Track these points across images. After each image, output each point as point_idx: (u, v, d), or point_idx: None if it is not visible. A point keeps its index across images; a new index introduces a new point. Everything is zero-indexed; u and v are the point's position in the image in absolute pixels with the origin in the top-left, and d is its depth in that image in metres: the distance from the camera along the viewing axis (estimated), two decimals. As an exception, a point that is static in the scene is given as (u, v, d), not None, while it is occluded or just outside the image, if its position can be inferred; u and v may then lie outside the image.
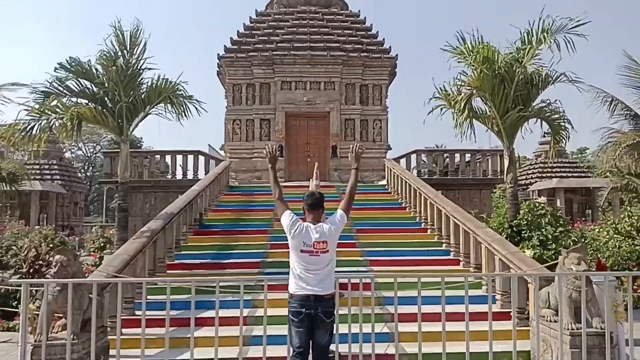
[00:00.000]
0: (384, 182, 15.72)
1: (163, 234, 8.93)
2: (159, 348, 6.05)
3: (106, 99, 9.49)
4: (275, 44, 18.89)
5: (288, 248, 4.44)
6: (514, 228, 8.95)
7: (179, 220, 9.97)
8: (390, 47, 19.08)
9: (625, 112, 13.31)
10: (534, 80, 9.22)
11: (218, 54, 19.06)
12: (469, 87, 9.16)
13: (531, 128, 9.98)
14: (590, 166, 29.05)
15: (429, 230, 10.93)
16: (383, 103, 18.78)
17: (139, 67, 9.63)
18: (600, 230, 9.81)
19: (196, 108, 10.56)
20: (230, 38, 19.39)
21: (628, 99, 13.91)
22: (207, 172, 15.64)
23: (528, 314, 6.79)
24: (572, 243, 8.56)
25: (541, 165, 27.57)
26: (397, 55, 18.87)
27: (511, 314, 6.49)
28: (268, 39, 19.18)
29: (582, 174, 26.62)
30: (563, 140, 9.81)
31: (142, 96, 9.68)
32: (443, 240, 10.05)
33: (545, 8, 8.84)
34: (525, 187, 26.68)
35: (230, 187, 15.28)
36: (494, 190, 17.73)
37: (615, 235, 9.72)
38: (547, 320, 5.89)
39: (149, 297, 7.84)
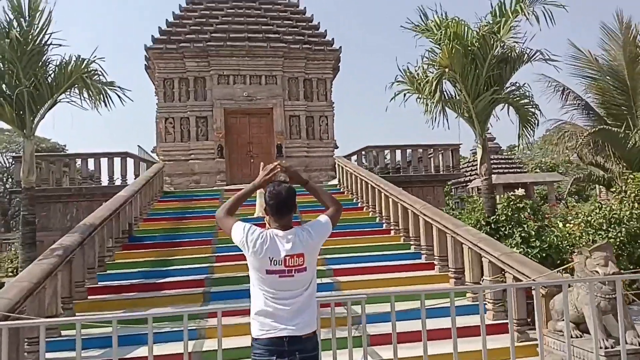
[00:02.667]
0: (334, 181, 14.51)
1: (81, 250, 7.12)
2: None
3: (1, 82, 7.47)
4: (209, 34, 17.13)
5: (238, 260, 3.01)
6: (492, 225, 7.99)
7: (102, 233, 8.15)
8: (333, 39, 17.95)
9: (577, 102, 13.10)
10: (509, 57, 8.34)
11: (145, 45, 16.98)
12: (439, 67, 8.07)
13: (498, 114, 9.10)
14: (524, 162, 29.71)
15: (392, 232, 9.82)
16: (328, 98, 17.57)
17: (42, 42, 7.69)
18: (572, 223, 9.09)
19: (119, 96, 8.78)
20: (159, 27, 17.39)
21: (576, 88, 13.73)
22: (137, 176, 13.65)
23: (528, 325, 5.78)
24: (555, 239, 7.72)
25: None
26: (340, 47, 17.74)
27: (507, 326, 5.51)
28: (201, 28, 17.38)
29: (518, 170, 26.93)
30: (531, 128, 8.98)
31: (49, 80, 7.76)
32: (411, 242, 8.98)
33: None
34: (464, 184, 26.64)
35: (165, 193, 13.41)
36: (446, 187, 17.09)
37: (587, 229, 9.07)
38: (566, 336, 4.85)
39: (63, 331, 6.13)
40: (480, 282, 6.86)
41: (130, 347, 5.54)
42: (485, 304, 6.34)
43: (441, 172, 15.19)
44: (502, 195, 9.74)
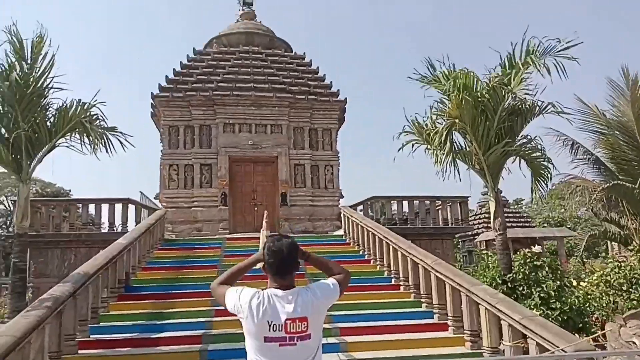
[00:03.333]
0: (339, 232, 14.09)
1: (73, 301, 6.68)
2: None
3: (-2, 125, 7.31)
4: (215, 84, 17.30)
5: (235, 316, 2.66)
6: (509, 284, 7.52)
7: (97, 283, 7.72)
8: (338, 90, 18.10)
9: (587, 157, 12.88)
10: (520, 109, 8.18)
11: (152, 93, 17.12)
12: (449, 117, 7.91)
13: (509, 168, 8.85)
14: (531, 216, 29.21)
15: (402, 287, 9.31)
16: (334, 148, 17.49)
17: (43, 86, 7.59)
18: (590, 282, 8.64)
19: (120, 142, 8.63)
20: (166, 76, 17.58)
21: (585, 142, 13.56)
22: (138, 223, 13.32)
23: None
24: (576, 300, 7.24)
25: (486, 215, 27.25)
26: (346, 98, 17.87)
27: None
28: (208, 78, 17.57)
29: (526, 224, 26.49)
30: (544, 182, 8.71)
31: (48, 123, 7.61)
32: (422, 300, 8.46)
33: (512, 34, 7.96)
34: (472, 237, 26.14)
35: (165, 241, 13.02)
36: (454, 240, 16.66)
37: (607, 289, 8.58)
38: None
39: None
40: (499, 346, 6.37)
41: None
42: None
43: (450, 225, 14.80)
44: (510, 251, 9.33)
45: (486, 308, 6.36)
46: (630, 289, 8.34)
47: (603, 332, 4.70)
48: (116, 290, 8.72)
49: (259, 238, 10.81)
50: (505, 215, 27.12)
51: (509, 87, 7.75)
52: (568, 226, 27.16)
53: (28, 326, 5.30)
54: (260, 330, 2.50)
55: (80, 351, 6.74)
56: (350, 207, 14.26)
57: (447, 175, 8.24)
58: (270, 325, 2.49)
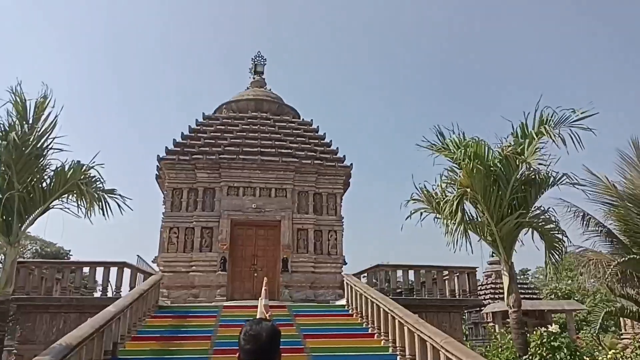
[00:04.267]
0: (342, 301, 13.40)
1: (50, 378, 6.09)
2: None
3: (-8, 184, 7.04)
4: (222, 147, 17.30)
5: None
6: (525, 365, 6.84)
7: (80, 355, 7.11)
8: (344, 155, 18.04)
9: (599, 229, 12.37)
10: (534, 180, 7.87)
11: (158, 156, 17.08)
12: (460, 186, 7.59)
13: (522, 240, 8.40)
14: (539, 287, 28.18)
15: (408, 366, 8.58)
16: (338, 213, 17.11)
17: (42, 146, 7.42)
18: None
19: (119, 205, 8.35)
20: (173, 140, 17.64)
21: (595, 214, 13.12)
22: (132, 288, 12.73)
23: None
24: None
25: (492, 285, 26.36)
26: (352, 164, 17.78)
27: None
28: (215, 142, 17.60)
29: (533, 296, 25.50)
30: (558, 254, 8.23)
31: (44, 184, 7.35)
32: (431, 381, 7.73)
33: (524, 103, 7.84)
34: (479, 309, 25.11)
35: (159, 308, 12.36)
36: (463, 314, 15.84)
37: (629, 368, 7.86)
38: None
39: None
40: None
41: None
42: None
43: (457, 297, 14.05)
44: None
45: None
46: None
47: None
48: None
49: (257, 306, 10.19)
50: (500, 287, 26.33)
51: (522, 156, 7.50)
52: (576, 298, 26.11)
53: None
54: None
55: None
56: (354, 275, 13.67)
57: (459, 246, 7.79)
58: None
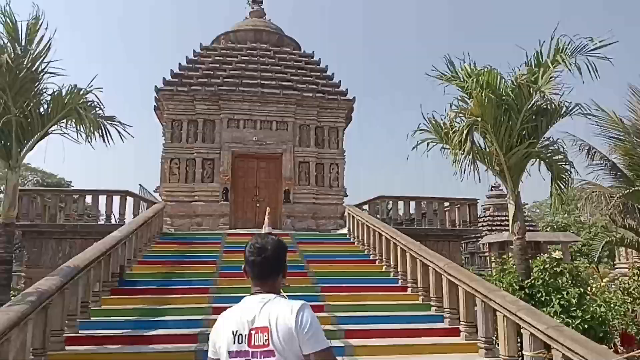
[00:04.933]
0: (343, 230, 13.56)
1: (61, 296, 6.19)
2: None
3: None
4: (221, 79, 16.80)
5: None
6: (527, 290, 6.99)
7: (88, 277, 7.21)
8: (347, 89, 17.57)
9: (604, 162, 12.32)
10: (546, 110, 7.64)
11: (156, 87, 16.61)
12: (470, 116, 7.37)
13: (529, 171, 8.31)
14: (535, 220, 28.72)
15: (409, 289, 8.81)
16: (340, 147, 16.93)
17: (37, 70, 7.09)
18: (609, 293, 8.12)
19: (119, 132, 8.15)
20: (171, 70, 17.09)
21: (601, 148, 12.99)
22: (136, 216, 12.81)
23: None
24: (598, 309, 6.71)
25: (490, 218, 26.79)
26: (354, 97, 17.34)
27: None
28: (214, 73, 17.07)
29: (530, 228, 26.00)
30: (565, 186, 8.18)
31: (41, 110, 7.12)
32: (432, 303, 7.94)
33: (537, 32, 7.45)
34: (475, 239, 25.67)
35: (164, 234, 12.51)
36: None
37: (624, 297, 8.05)
38: None
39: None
40: (517, 356, 5.85)
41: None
42: None
43: (457, 227, 14.25)
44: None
45: (505, 315, 5.85)
46: None
47: None
48: (109, 284, 8.21)
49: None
50: (507, 218, 26.79)
51: (536, 85, 7.21)
52: (572, 231, 26.68)
53: (7, 323, 4.80)
54: (225, 343, 2.04)
55: (67, 347, 6.26)
56: (356, 206, 13.73)
57: (466, 176, 7.70)
58: (235, 336, 2.02)
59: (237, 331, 2.01)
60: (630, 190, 10.54)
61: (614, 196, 10.64)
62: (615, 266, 17.48)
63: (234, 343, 2.01)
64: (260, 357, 1.96)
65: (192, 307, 7.68)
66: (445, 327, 7.28)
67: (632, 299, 8.09)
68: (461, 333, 6.94)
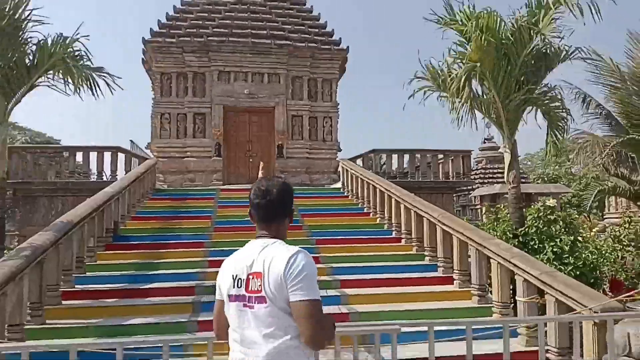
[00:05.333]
0: (337, 185, 13.54)
1: (55, 251, 6.16)
2: None
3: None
4: (211, 29, 16.24)
5: None
6: (520, 238, 7.05)
7: (82, 232, 7.17)
8: (340, 38, 17.09)
9: (599, 111, 12.20)
10: (545, 54, 7.44)
11: (143, 38, 16.06)
12: (468, 61, 7.16)
13: (525, 119, 8.20)
14: (526, 172, 28.88)
15: (403, 240, 8.87)
16: (333, 99, 16.66)
17: (19, 18, 6.77)
18: (600, 239, 8.26)
19: (108, 84, 7.92)
20: (158, 21, 16.46)
21: (596, 96, 12.84)
22: (128, 172, 12.67)
23: (565, 355, 4.82)
24: (590, 256, 6.81)
25: (482, 171, 26.88)
26: (348, 47, 16.88)
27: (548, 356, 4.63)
28: (202, 23, 16.48)
29: (522, 180, 26.14)
30: (560, 134, 8.11)
31: (27, 60, 6.86)
32: (426, 253, 8.00)
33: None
34: (467, 192, 25.84)
35: (156, 191, 12.40)
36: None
37: (614, 244, 8.19)
38: None
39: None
40: (510, 302, 5.96)
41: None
42: (516, 327, 5.40)
43: (451, 179, 14.29)
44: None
45: (499, 263, 5.88)
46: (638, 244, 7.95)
47: (637, 291, 4.24)
48: (104, 239, 8.17)
49: None
50: (499, 170, 26.97)
51: (537, 27, 6.96)
52: (563, 183, 26.90)
53: (3, 277, 4.78)
54: (226, 286, 2.04)
55: (64, 302, 6.29)
56: (349, 160, 13.65)
57: (462, 124, 7.61)
58: (235, 280, 2.01)
59: (237, 275, 2.00)
60: (625, 139, 10.48)
61: (608, 145, 10.57)
62: (605, 217, 17.76)
63: (234, 287, 2.00)
64: (255, 303, 1.93)
65: (188, 261, 7.68)
66: (439, 276, 7.37)
67: (622, 247, 8.23)
68: (455, 281, 7.02)
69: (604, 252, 7.71)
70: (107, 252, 8.03)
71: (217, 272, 6.20)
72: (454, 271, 7.09)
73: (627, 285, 6.95)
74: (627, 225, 8.45)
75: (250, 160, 15.62)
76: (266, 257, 1.95)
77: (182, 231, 9.14)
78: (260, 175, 11.88)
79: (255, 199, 2.09)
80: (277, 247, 1.99)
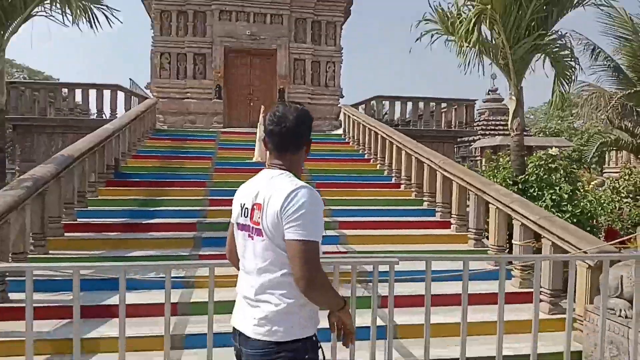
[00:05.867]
0: (338, 131, 13.43)
1: (57, 183, 6.18)
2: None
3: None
4: (213, -35, 15.54)
5: (229, 205, 2.10)
6: (520, 185, 7.11)
7: (83, 166, 7.16)
8: (346, -21, 16.38)
9: (607, 63, 11.91)
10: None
11: (142, -27, 15.43)
12: (479, 4, 6.87)
13: (533, 67, 8.00)
14: (528, 126, 28.69)
15: (402, 186, 8.92)
16: (337, 43, 16.19)
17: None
18: (599, 190, 8.33)
19: (107, 17, 7.69)
20: (158, -46, 15.72)
21: (606, 48, 12.51)
22: (128, 111, 12.51)
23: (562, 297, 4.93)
24: (588, 204, 6.87)
25: (484, 122, 26.64)
26: (354, -11, 16.24)
27: (539, 296, 4.73)
28: (204, -42, 15.75)
29: (524, 133, 26.00)
30: (567, 83, 7.95)
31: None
32: (424, 198, 8.09)
33: None
34: (468, 143, 25.75)
35: (156, 131, 12.32)
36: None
37: (613, 196, 8.26)
38: (618, 315, 3.97)
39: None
40: (505, 245, 6.06)
41: (108, 292, 4.66)
42: (511, 270, 5.53)
43: (453, 129, 14.18)
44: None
45: (497, 207, 5.94)
46: (638, 196, 8.02)
47: (631, 236, 4.30)
48: (105, 175, 8.18)
49: (255, 133, 10.14)
50: (504, 123, 26.74)
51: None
52: (564, 137, 26.78)
53: (5, 206, 4.80)
54: (236, 213, 2.01)
55: (67, 234, 6.37)
56: (352, 106, 13.46)
57: (469, 69, 7.45)
58: (242, 209, 1.96)
59: (244, 204, 1.95)
60: (632, 91, 10.38)
61: (614, 97, 10.55)
62: (604, 171, 17.77)
63: (241, 216, 1.96)
64: (255, 234, 1.88)
65: (190, 199, 7.77)
66: (437, 220, 7.49)
67: (619, 198, 8.30)
68: (452, 225, 7.15)
69: (602, 202, 7.78)
70: (108, 188, 8.06)
71: (218, 210, 6.21)
72: (452, 216, 7.20)
73: (622, 235, 7.04)
74: (626, 177, 8.47)
75: (251, 104, 15.38)
76: (269, 189, 1.85)
77: (183, 170, 9.17)
78: (261, 118, 11.74)
79: (269, 126, 1.95)
80: (281, 180, 1.87)
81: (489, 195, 6.08)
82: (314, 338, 1.92)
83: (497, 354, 3.07)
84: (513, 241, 5.61)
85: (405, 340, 4.26)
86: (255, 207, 1.88)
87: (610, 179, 11.67)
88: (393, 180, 9.24)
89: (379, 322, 3.08)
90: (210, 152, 10.40)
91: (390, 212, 7.72)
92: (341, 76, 16.20)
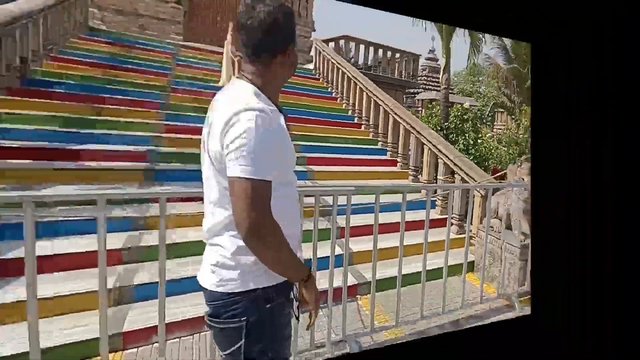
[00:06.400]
0: (310, 66, 11.68)
1: None
2: None
3: None
4: None
5: (193, 134, 1.11)
6: (444, 131, 8.26)
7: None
8: None
9: (501, 43, 14.53)
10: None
11: None
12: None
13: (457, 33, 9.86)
14: (453, 85, 31.38)
15: (363, 126, 8.10)
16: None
17: None
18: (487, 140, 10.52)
19: None
20: None
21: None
22: None
23: (463, 220, 5.35)
24: (484, 149, 8.40)
25: (425, 78, 27.29)
26: None
27: (452, 222, 5.20)
28: None
29: (451, 92, 27.58)
30: (477, 51, 9.81)
31: None
32: (379, 139, 7.68)
33: None
34: (412, 96, 26.30)
35: (92, 29, 9.00)
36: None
37: (497, 145, 10.48)
38: (495, 232, 4.53)
39: None
40: (433, 180, 6.35)
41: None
42: (435, 200, 5.81)
43: (404, 78, 13.56)
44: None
45: (429, 148, 6.13)
46: (510, 145, 10.30)
47: (505, 171, 5.25)
48: (4, 79, 5.36)
49: (222, 53, 8.10)
50: (432, 80, 27.15)
51: None
52: (474, 98, 30.17)
53: None
54: (205, 131, 1.36)
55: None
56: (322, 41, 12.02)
57: (416, 26, 7.82)
58: (207, 125, 1.36)
59: (208, 118, 1.33)
60: (510, 67, 13.30)
61: (501, 70, 13.43)
62: (494, 127, 20.88)
63: (207, 134, 1.32)
64: (209, 161, 1.31)
65: (139, 122, 5.67)
66: (387, 159, 7.39)
67: (500, 146, 10.41)
68: (398, 164, 7.13)
69: (490, 149, 9.45)
70: (12, 98, 5.33)
71: (176, 138, 4.66)
72: (398, 155, 7.10)
73: (500, 171, 8.22)
74: (507, 132, 10.99)
75: (218, 18, 13.08)
76: (218, 105, 1.28)
77: (129, 86, 6.66)
78: (229, 37, 9.77)
79: (241, 19, 1.28)
80: (234, 95, 1.25)
81: (424, 137, 6.27)
82: (278, 286, 1.30)
83: (423, 269, 3.43)
84: (438, 176, 5.95)
85: (359, 265, 4.25)
86: (210, 126, 1.30)
87: (497, 133, 13.90)
88: (355, 120, 8.26)
89: (338, 251, 3.04)
90: (167, 68, 7.95)
91: (352, 150, 7.23)
92: (314, 6, 14.26)
